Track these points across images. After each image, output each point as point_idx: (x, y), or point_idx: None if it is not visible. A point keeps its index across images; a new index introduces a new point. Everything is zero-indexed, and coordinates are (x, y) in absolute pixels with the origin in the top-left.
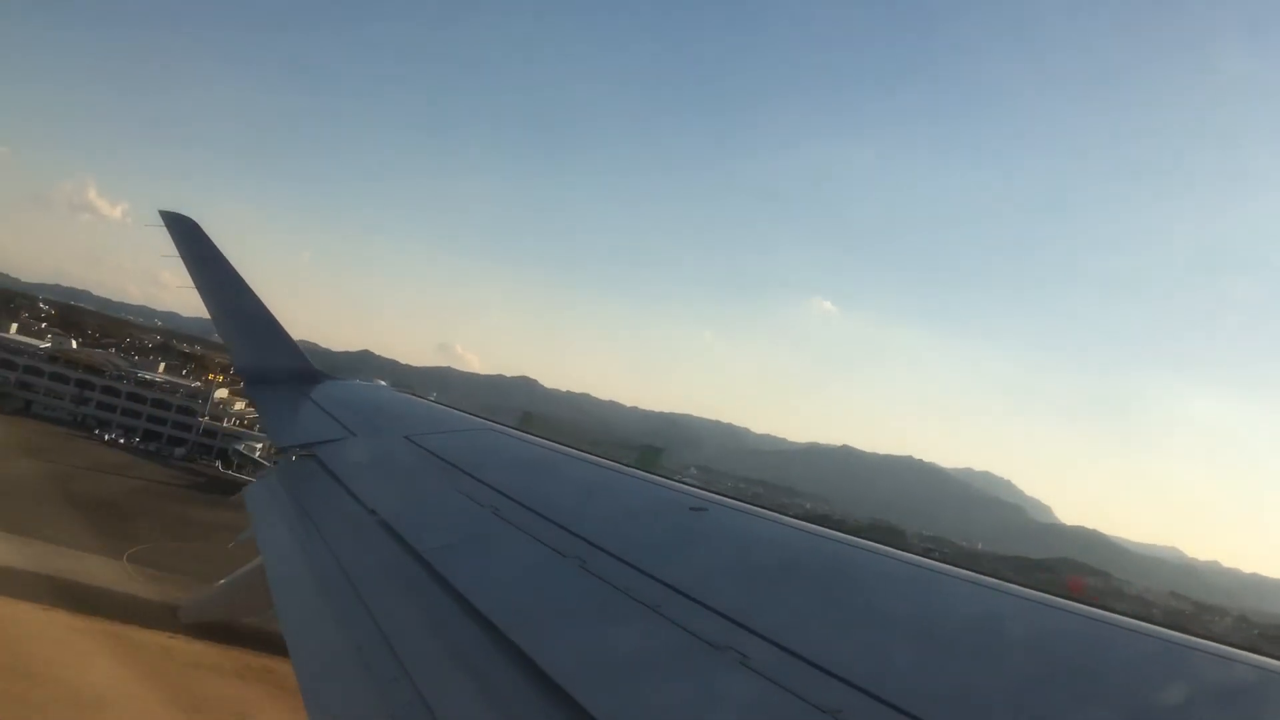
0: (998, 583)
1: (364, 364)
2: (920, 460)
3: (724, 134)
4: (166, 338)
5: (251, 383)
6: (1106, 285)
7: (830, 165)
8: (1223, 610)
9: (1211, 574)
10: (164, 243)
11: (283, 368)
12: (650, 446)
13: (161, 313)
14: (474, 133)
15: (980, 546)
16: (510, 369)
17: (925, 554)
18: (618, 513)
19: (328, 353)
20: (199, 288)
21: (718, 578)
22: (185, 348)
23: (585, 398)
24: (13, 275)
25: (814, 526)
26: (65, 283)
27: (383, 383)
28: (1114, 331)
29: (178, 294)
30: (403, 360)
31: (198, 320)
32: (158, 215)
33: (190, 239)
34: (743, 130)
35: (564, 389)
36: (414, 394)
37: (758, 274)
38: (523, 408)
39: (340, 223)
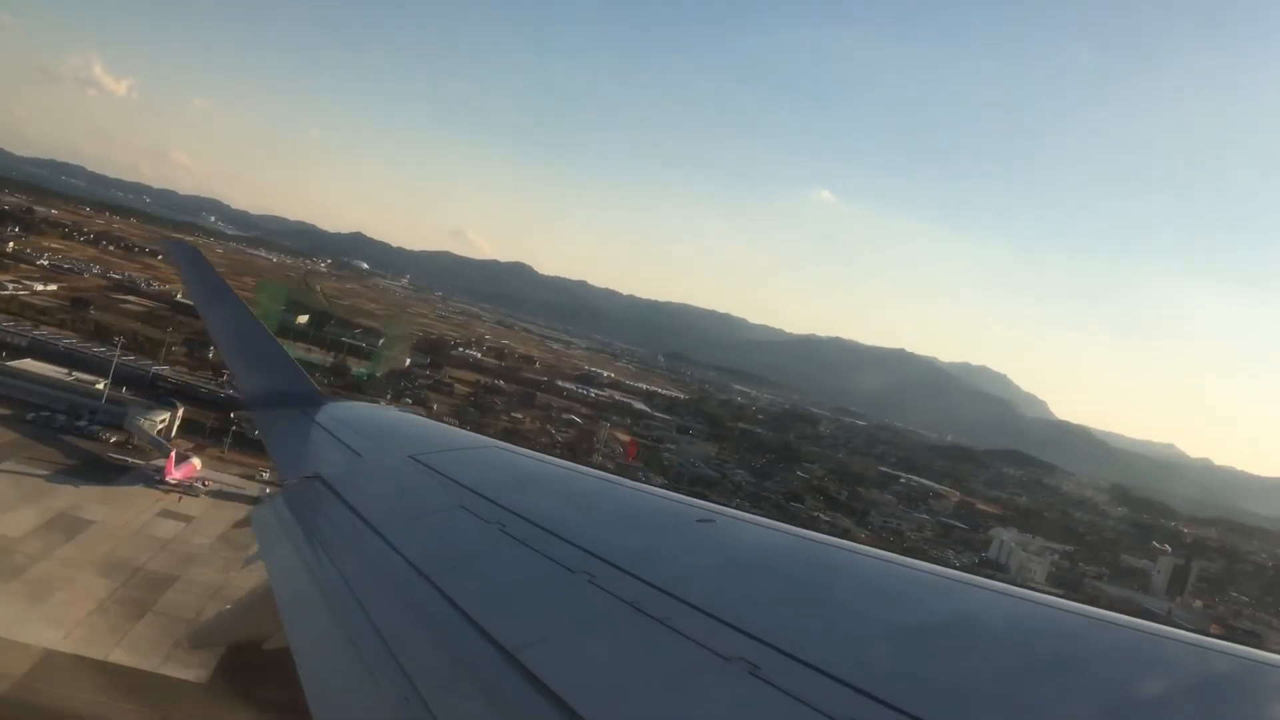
0: (1011, 589)
1: (355, 246)
2: (913, 353)
3: (727, 20)
4: (128, 223)
5: (255, 406)
6: (1111, 178)
7: (832, 55)
8: (1156, 504)
9: (1197, 471)
10: (169, 122)
11: (286, 391)
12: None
13: (156, 190)
14: (479, 16)
15: (949, 438)
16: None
17: (875, 434)
18: (624, 526)
19: (322, 233)
20: (202, 313)
21: (726, 589)
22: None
23: (581, 285)
24: (7, 150)
25: (821, 535)
26: (60, 157)
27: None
28: (1119, 224)
29: (174, 170)
30: (395, 244)
31: (194, 198)
32: (160, 86)
33: (193, 266)
34: (746, 16)
35: (560, 275)
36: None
37: (760, 164)
38: (516, 294)
39: (345, 104)
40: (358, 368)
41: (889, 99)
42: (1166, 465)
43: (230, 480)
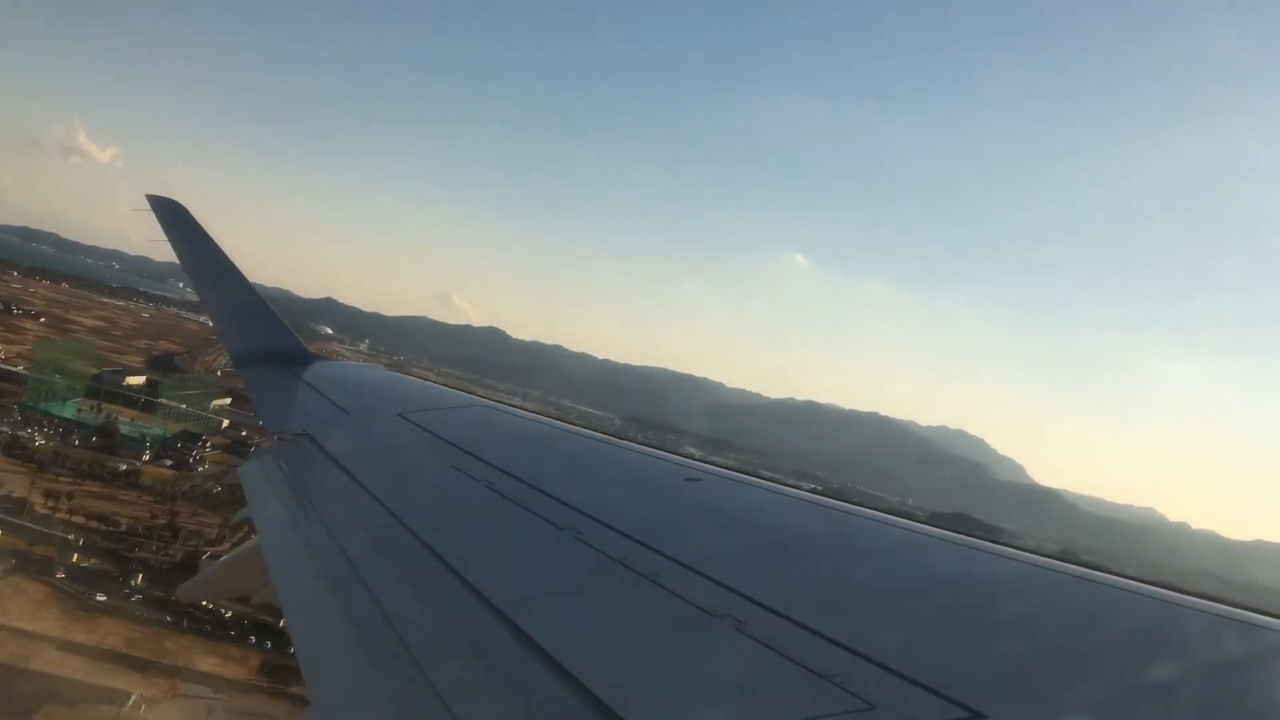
0: (992, 546)
1: (325, 312)
2: (886, 416)
3: (701, 90)
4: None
5: (241, 365)
6: (1088, 246)
7: (803, 122)
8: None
9: (1172, 535)
10: (152, 190)
11: (273, 348)
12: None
13: (131, 257)
14: (447, 82)
15: (910, 501)
16: (485, 319)
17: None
18: (613, 485)
19: (297, 299)
20: (187, 271)
21: (713, 547)
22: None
23: (556, 349)
24: None
25: (809, 494)
26: (33, 224)
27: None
28: (1097, 291)
29: (147, 239)
30: (369, 309)
31: (169, 265)
32: (144, 155)
33: (178, 223)
34: (721, 83)
35: (535, 339)
36: (404, 369)
37: (731, 228)
38: (489, 358)
39: (325, 170)
40: (141, 426)
41: (859, 164)
42: (1141, 528)
43: None
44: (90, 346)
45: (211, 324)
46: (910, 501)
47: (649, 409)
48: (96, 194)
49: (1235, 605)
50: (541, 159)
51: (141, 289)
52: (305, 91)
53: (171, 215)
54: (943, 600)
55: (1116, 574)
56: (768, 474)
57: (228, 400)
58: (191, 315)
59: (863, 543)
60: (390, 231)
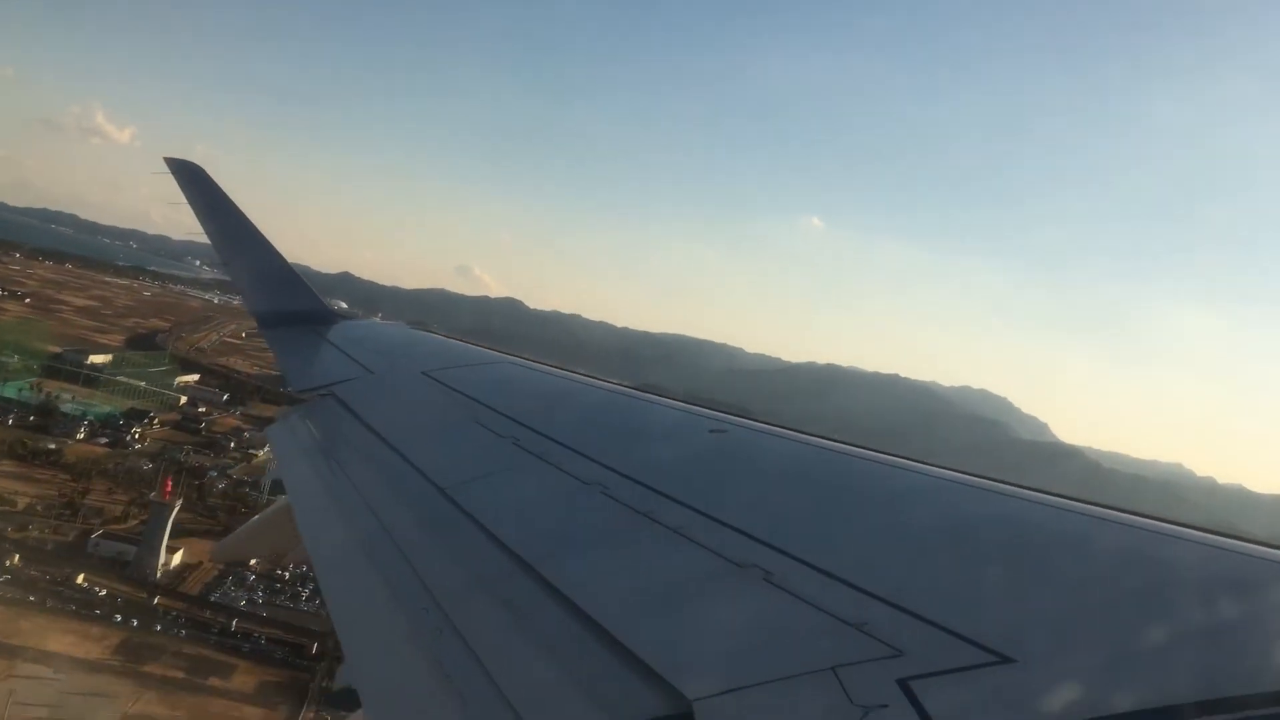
0: (1021, 490)
1: (342, 286)
2: (907, 378)
3: (717, 50)
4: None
5: (265, 326)
6: (1114, 197)
7: (820, 81)
8: None
9: (1198, 490)
10: (161, 168)
11: (296, 310)
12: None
13: (150, 236)
14: (464, 52)
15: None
16: (504, 290)
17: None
18: (638, 438)
19: (316, 274)
20: (208, 233)
21: (739, 497)
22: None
23: (575, 318)
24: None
25: (832, 442)
26: (53, 206)
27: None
28: (1123, 243)
29: (169, 217)
30: (388, 283)
31: (187, 244)
32: (162, 134)
33: (197, 185)
34: (736, 46)
35: (552, 309)
36: (426, 328)
37: (748, 192)
38: (507, 330)
39: (343, 143)
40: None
41: (875, 123)
42: (1165, 484)
43: None
44: (44, 328)
45: (215, 294)
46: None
47: (667, 375)
48: (116, 174)
49: (1265, 544)
50: (560, 130)
51: (152, 268)
52: (324, 67)
53: (190, 177)
54: (970, 546)
55: (1146, 516)
56: None
57: (194, 377)
58: (197, 293)
59: (889, 490)
60: (411, 206)
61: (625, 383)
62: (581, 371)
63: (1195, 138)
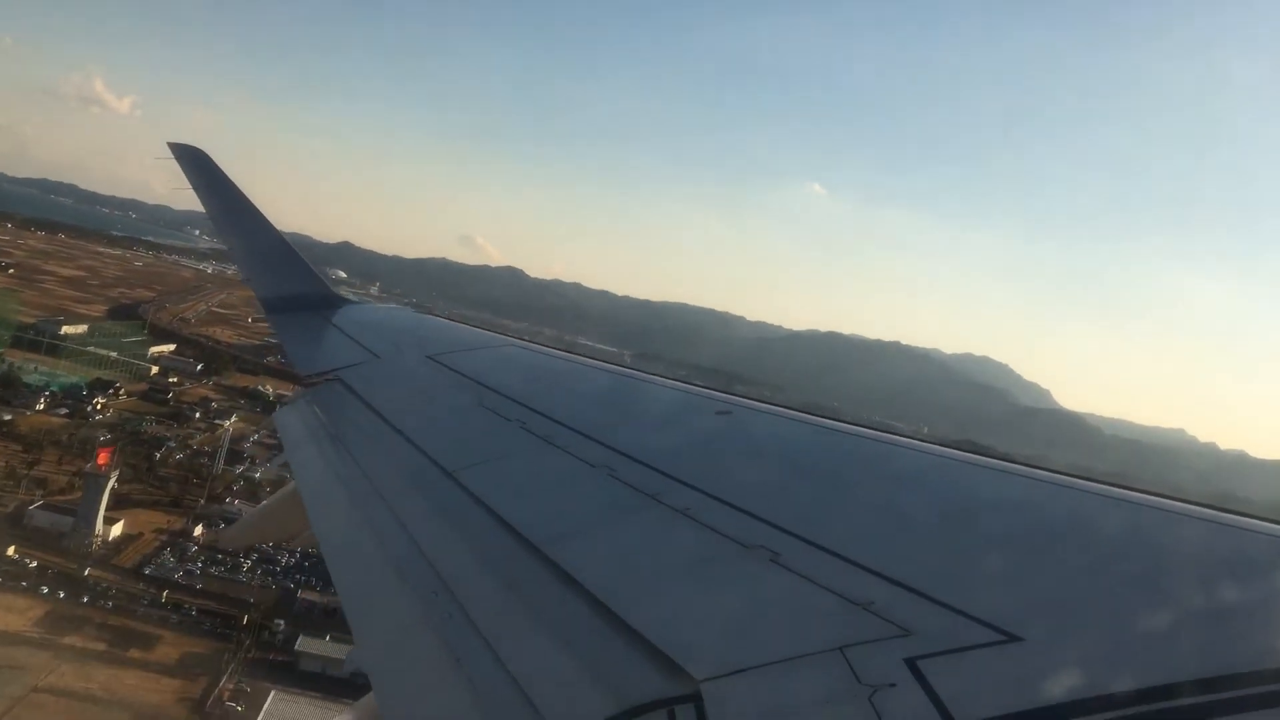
0: (1027, 469)
1: (343, 256)
2: (908, 346)
3: (719, 14)
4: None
5: (271, 311)
6: (1116, 164)
7: (822, 45)
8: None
9: (1198, 456)
10: (172, 138)
11: (302, 294)
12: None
13: (151, 206)
14: (464, 18)
15: (925, 430)
16: (505, 259)
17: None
18: (644, 420)
19: (316, 243)
20: (212, 218)
21: (745, 479)
22: None
23: (576, 287)
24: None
25: (838, 423)
26: (53, 176)
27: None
28: (1125, 210)
29: (171, 188)
30: (389, 252)
31: (187, 214)
32: (161, 102)
33: (201, 170)
34: (737, 8)
35: (553, 278)
36: (432, 313)
37: (749, 159)
38: (508, 299)
39: (344, 112)
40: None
41: (877, 88)
42: (1165, 450)
43: None
44: (16, 298)
45: (210, 264)
46: (925, 430)
47: (667, 344)
48: (116, 143)
49: (1272, 521)
50: (559, 98)
51: (148, 238)
52: (326, 33)
53: (194, 163)
54: (977, 525)
55: (1154, 494)
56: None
57: (169, 348)
58: (191, 263)
59: (894, 470)
60: (414, 175)
61: (627, 351)
62: (585, 341)
63: (1199, 100)
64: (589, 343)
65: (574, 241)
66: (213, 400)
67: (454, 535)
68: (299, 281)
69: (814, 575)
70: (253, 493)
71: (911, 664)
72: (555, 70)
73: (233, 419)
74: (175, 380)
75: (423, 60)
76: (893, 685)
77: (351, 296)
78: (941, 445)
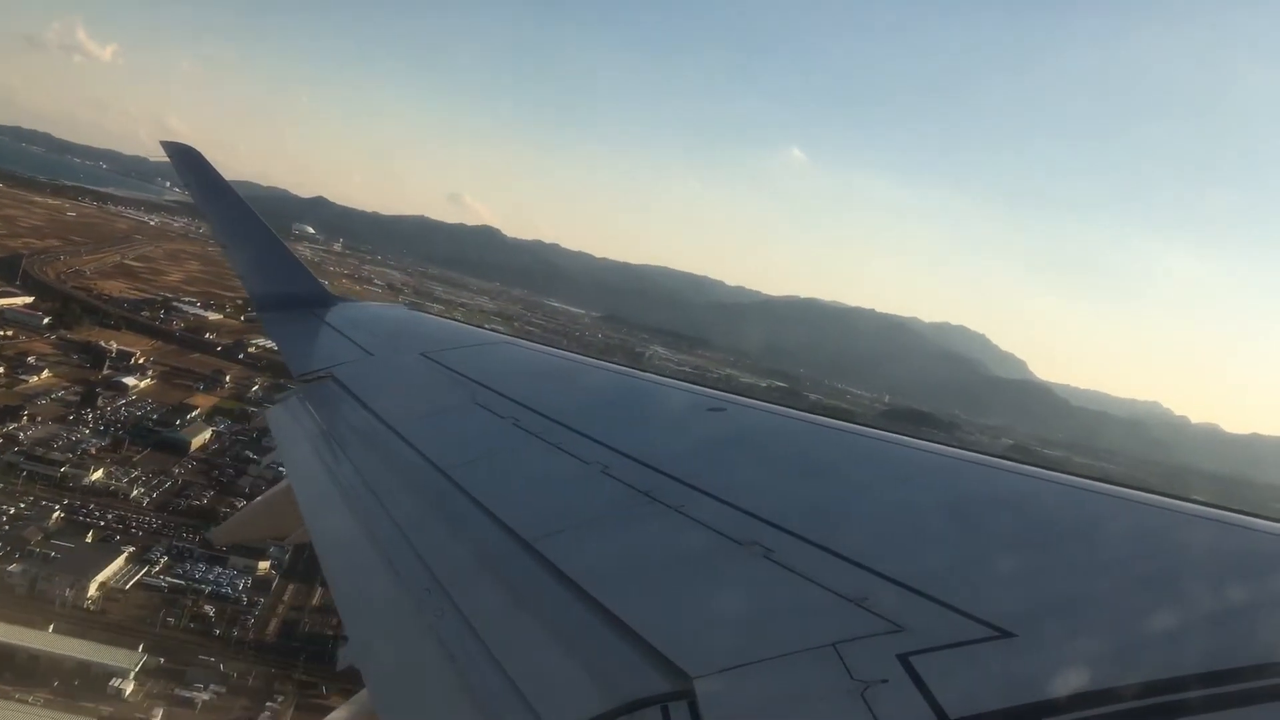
0: (1021, 466)
1: (316, 210)
2: (885, 313)
3: None
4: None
5: (264, 309)
6: (1092, 135)
7: (804, 9)
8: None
9: (1169, 428)
10: (154, 89)
11: (294, 293)
12: None
13: (127, 157)
14: None
15: (887, 399)
16: (483, 219)
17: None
18: (637, 417)
19: (295, 199)
20: (205, 216)
21: (738, 475)
22: None
23: (553, 248)
24: None
25: (831, 420)
26: (26, 125)
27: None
28: (1103, 182)
29: (166, 136)
30: (366, 209)
31: (161, 165)
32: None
33: (194, 168)
34: None
35: (533, 239)
36: (420, 311)
37: (729, 123)
38: (483, 259)
39: (326, 67)
40: None
41: (860, 52)
42: (1135, 423)
43: None
44: None
45: (155, 217)
46: (886, 399)
47: (641, 308)
48: (99, 92)
49: (1268, 519)
50: (541, 59)
51: (107, 188)
52: None
53: (187, 162)
54: (970, 522)
55: (1148, 491)
56: (745, 374)
57: (22, 300)
58: (136, 215)
59: (888, 467)
60: (399, 132)
61: (593, 312)
62: (553, 303)
63: (1180, 75)
64: (557, 304)
65: (559, 204)
66: (31, 356)
67: (448, 532)
68: (291, 280)
69: (807, 571)
70: None
71: (904, 660)
72: (542, 33)
73: (44, 374)
74: (9, 333)
75: (411, 15)
76: (885, 681)
77: (307, 251)
78: (934, 443)
